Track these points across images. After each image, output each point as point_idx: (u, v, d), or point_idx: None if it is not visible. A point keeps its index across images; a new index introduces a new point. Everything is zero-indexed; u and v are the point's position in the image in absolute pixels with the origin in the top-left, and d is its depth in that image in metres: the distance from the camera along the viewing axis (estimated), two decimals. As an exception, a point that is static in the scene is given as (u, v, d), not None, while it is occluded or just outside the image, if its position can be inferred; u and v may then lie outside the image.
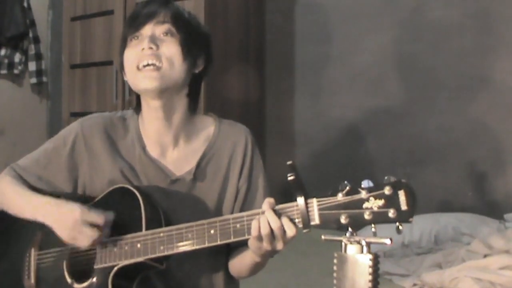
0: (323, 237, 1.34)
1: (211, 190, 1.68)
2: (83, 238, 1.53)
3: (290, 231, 1.39)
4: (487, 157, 3.69)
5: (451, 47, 3.80)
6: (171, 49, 1.61)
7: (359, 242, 1.30)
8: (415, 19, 3.93)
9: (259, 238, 1.41)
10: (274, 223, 1.38)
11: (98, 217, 1.53)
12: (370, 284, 1.27)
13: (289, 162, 1.36)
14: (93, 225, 1.53)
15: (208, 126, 1.74)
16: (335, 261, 1.31)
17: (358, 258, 1.29)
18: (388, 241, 1.28)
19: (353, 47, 4.17)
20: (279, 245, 1.42)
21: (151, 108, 1.65)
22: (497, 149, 3.66)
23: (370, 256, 1.28)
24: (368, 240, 1.30)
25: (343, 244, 1.31)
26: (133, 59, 1.61)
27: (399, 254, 3.13)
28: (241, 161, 1.71)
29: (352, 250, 1.30)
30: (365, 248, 1.30)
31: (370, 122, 4.09)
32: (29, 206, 1.64)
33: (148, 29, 1.62)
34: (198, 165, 1.68)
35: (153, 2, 1.67)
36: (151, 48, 1.59)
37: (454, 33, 3.78)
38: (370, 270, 1.28)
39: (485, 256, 2.78)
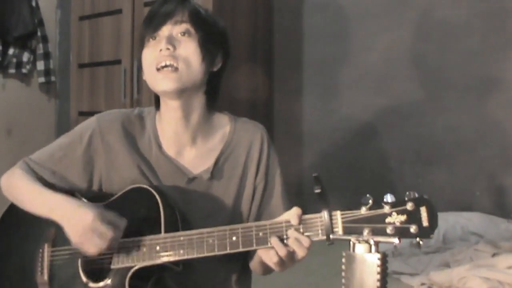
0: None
1: (229, 188, 1.68)
2: (90, 246, 1.51)
3: (301, 251, 1.41)
4: (495, 157, 3.68)
5: (459, 47, 3.78)
6: (189, 50, 1.61)
7: (367, 241, 1.30)
8: (423, 19, 3.91)
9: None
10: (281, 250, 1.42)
11: (107, 230, 1.51)
12: (378, 283, 1.28)
13: (314, 174, 1.37)
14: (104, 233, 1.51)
15: (224, 125, 1.74)
16: (343, 260, 1.32)
17: (366, 257, 1.29)
18: (396, 241, 1.28)
19: (361, 47, 4.15)
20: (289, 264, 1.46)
21: (170, 108, 1.66)
22: (505, 148, 3.65)
23: (379, 255, 1.29)
24: (376, 239, 1.30)
25: (351, 243, 1.32)
26: (151, 59, 1.61)
27: (407, 253, 3.13)
28: (258, 158, 1.71)
29: (360, 249, 1.30)
30: (373, 247, 1.30)
31: (378, 121, 4.08)
32: (44, 203, 1.62)
33: (165, 30, 1.62)
34: (216, 163, 1.68)
35: (170, 1, 1.65)
36: (168, 49, 1.58)
37: (462, 33, 3.77)
38: (379, 269, 1.28)
39: (493, 255, 2.77)
